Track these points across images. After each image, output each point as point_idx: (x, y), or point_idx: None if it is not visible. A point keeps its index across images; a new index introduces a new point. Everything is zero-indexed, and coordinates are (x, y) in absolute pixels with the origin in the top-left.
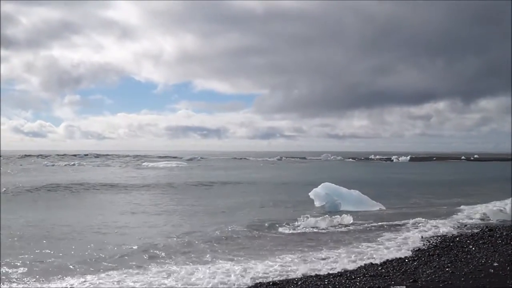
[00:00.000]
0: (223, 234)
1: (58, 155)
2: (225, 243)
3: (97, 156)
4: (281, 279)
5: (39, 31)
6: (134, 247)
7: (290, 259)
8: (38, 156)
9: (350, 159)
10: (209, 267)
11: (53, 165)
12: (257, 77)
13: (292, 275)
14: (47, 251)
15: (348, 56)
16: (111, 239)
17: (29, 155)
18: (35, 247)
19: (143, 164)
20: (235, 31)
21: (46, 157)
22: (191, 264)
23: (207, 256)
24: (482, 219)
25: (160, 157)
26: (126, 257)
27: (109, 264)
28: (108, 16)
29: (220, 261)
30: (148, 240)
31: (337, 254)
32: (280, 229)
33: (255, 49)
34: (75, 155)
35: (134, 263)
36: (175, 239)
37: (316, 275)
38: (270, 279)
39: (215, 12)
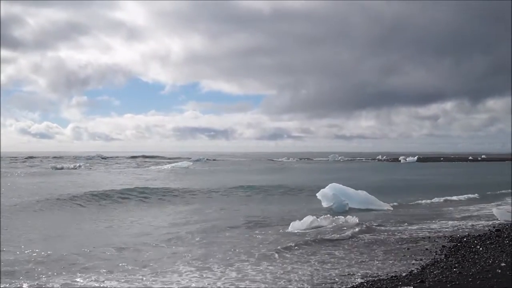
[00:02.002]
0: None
1: (64, 156)
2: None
3: (104, 157)
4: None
5: (46, 32)
6: None
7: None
8: (43, 157)
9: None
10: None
11: (62, 168)
12: (265, 78)
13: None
14: None
15: (356, 56)
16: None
17: (33, 157)
18: None
19: (168, 165)
20: (242, 31)
21: (56, 158)
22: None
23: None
24: (489, 220)
25: (172, 158)
26: None
27: None
28: (116, 17)
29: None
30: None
31: (342, 254)
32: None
33: (262, 50)
34: (89, 157)
35: None
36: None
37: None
38: None
39: (222, 12)
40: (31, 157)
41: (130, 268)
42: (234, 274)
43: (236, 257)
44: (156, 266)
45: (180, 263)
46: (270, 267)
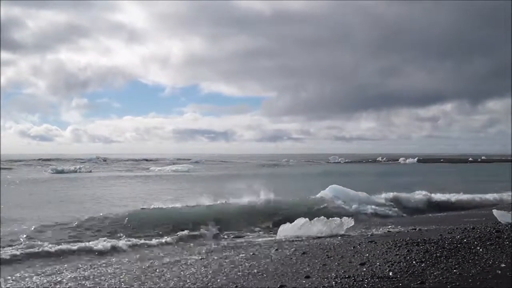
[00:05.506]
0: None
1: (63, 159)
2: None
3: (105, 160)
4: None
5: (46, 35)
6: None
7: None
8: (44, 160)
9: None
10: None
11: (62, 171)
12: (265, 80)
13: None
14: None
15: (357, 58)
16: None
17: (33, 159)
18: None
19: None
20: (242, 33)
21: (56, 161)
22: None
23: None
24: (489, 221)
25: (172, 159)
26: None
27: None
28: (116, 19)
29: None
30: None
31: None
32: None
33: (263, 52)
34: (91, 159)
35: None
36: None
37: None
38: None
39: (222, 14)
40: (31, 160)
41: None
42: None
43: None
44: None
45: None
46: None
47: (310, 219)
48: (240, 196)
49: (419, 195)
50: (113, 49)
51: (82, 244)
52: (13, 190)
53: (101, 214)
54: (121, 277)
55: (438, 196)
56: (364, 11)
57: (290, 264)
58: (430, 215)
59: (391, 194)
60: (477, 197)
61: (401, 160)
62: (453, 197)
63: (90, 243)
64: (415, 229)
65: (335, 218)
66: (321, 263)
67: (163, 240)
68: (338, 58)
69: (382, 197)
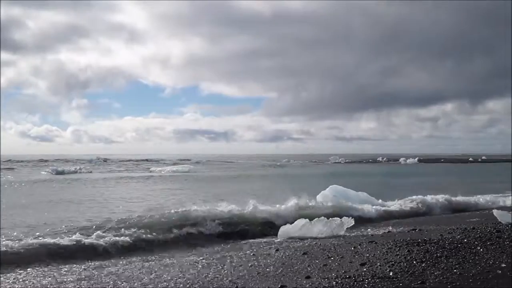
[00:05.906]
0: None
1: (63, 159)
2: None
3: (105, 160)
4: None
5: (46, 35)
6: None
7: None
8: (42, 160)
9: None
10: None
11: (63, 171)
12: (266, 80)
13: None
14: None
15: (357, 58)
16: None
17: (33, 160)
18: None
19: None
20: (243, 34)
21: (56, 161)
22: None
23: None
24: (489, 221)
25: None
26: None
27: None
28: (116, 20)
29: None
30: None
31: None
32: None
33: (263, 52)
34: (91, 160)
35: None
36: None
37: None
38: None
39: (223, 15)
40: (31, 160)
41: None
42: None
43: None
44: None
45: None
46: None
47: (310, 220)
48: (241, 197)
49: (440, 198)
50: (114, 50)
51: (82, 244)
52: (14, 191)
53: (101, 214)
54: (122, 277)
55: (460, 199)
56: (364, 11)
57: (290, 264)
58: (431, 216)
59: (414, 197)
60: (493, 197)
61: (401, 160)
62: (472, 199)
63: (90, 242)
64: (416, 229)
65: (335, 218)
66: (322, 263)
67: (164, 240)
68: (338, 58)
69: (401, 201)
